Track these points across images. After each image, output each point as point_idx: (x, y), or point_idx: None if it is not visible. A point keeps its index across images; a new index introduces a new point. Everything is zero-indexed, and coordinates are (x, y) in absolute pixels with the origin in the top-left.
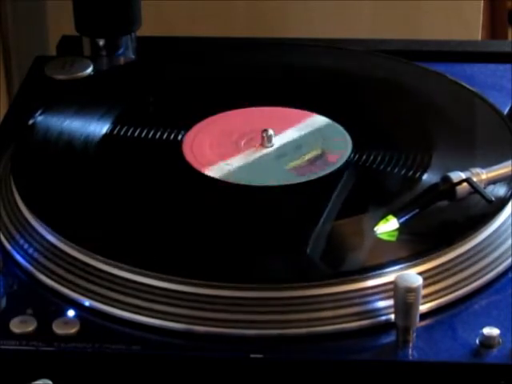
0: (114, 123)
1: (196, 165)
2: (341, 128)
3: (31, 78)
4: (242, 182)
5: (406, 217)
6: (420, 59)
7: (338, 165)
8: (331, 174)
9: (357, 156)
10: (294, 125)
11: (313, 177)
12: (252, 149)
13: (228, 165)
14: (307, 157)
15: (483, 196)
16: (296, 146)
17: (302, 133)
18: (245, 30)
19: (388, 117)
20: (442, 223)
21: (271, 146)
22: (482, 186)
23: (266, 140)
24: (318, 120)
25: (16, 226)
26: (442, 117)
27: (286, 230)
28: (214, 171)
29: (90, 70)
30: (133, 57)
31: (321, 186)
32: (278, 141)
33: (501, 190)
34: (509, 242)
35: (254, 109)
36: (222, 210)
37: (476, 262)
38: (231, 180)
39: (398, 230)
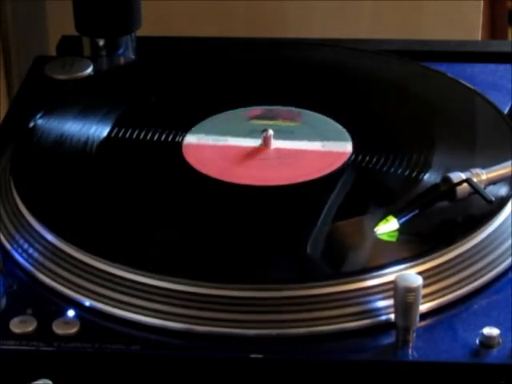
0: (113, 124)
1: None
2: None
3: (31, 78)
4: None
5: (406, 217)
6: (420, 59)
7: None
8: (331, 174)
9: (357, 156)
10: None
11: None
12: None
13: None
14: (273, 121)
15: (483, 196)
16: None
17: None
18: (245, 30)
19: (388, 116)
20: (442, 223)
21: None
22: (482, 186)
23: (267, 140)
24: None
25: (16, 226)
26: (442, 117)
27: (286, 229)
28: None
29: (89, 70)
30: (133, 57)
31: (321, 186)
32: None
33: (501, 190)
34: (509, 241)
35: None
36: (222, 210)
37: (476, 262)
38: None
39: (398, 230)
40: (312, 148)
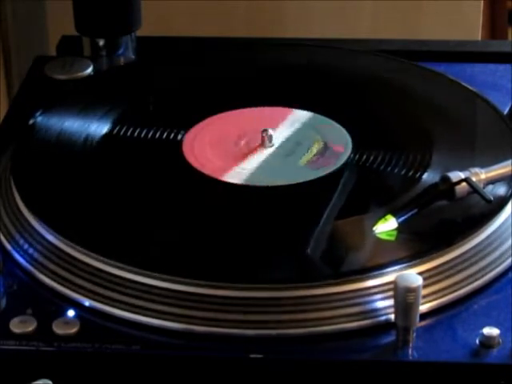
0: (113, 123)
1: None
2: (326, 118)
3: (31, 78)
4: (266, 183)
5: (405, 216)
6: (420, 59)
7: (347, 154)
8: (331, 174)
9: (357, 156)
10: (280, 123)
11: (324, 172)
12: (255, 150)
13: (244, 169)
14: (314, 150)
15: (482, 196)
16: (295, 142)
17: (293, 129)
18: (245, 30)
19: (388, 117)
20: (442, 223)
21: (272, 146)
22: (481, 185)
23: (266, 140)
24: (301, 114)
25: (16, 225)
26: (442, 117)
27: (286, 230)
28: (233, 178)
29: (90, 70)
30: (133, 57)
31: (321, 185)
32: (275, 140)
33: (500, 190)
34: (509, 242)
35: (249, 109)
36: (222, 210)
37: (476, 262)
38: (256, 183)
39: (397, 229)
40: (251, 162)
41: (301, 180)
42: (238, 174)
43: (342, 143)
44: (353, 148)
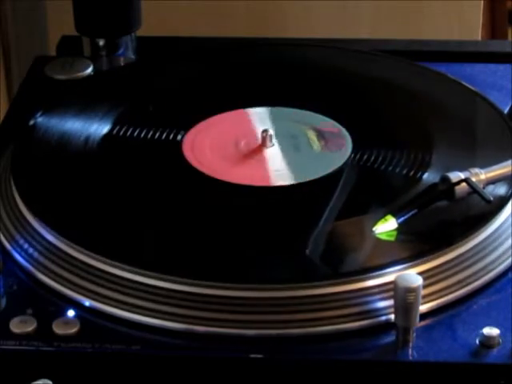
0: (113, 123)
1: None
2: (285, 108)
3: (31, 78)
4: (314, 177)
5: (405, 217)
6: (420, 59)
7: (345, 135)
8: (331, 174)
9: (357, 156)
10: (252, 124)
11: (344, 153)
12: (258, 151)
13: (279, 170)
14: (314, 138)
15: (482, 196)
16: (289, 137)
17: (271, 126)
18: (245, 30)
19: (388, 116)
20: (442, 223)
21: (273, 145)
22: (481, 186)
23: (267, 140)
24: (258, 111)
25: (16, 226)
26: (442, 117)
27: (286, 229)
28: (283, 180)
29: (90, 70)
30: (133, 57)
31: (321, 185)
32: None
33: (500, 190)
34: (509, 242)
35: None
36: (222, 210)
37: (476, 262)
38: (306, 179)
39: (397, 230)
40: (270, 165)
41: (337, 165)
42: (282, 176)
43: (328, 124)
44: (353, 148)
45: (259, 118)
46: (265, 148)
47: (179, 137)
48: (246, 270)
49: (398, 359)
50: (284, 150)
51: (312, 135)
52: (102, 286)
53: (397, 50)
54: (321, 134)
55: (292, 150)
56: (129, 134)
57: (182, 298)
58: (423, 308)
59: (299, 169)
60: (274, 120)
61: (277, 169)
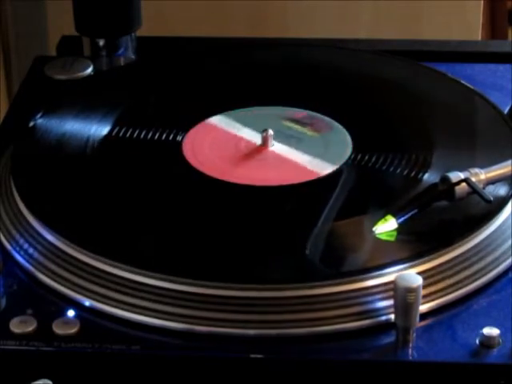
0: (113, 124)
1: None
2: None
3: (31, 78)
4: (340, 161)
5: (405, 217)
6: (420, 59)
7: (316, 115)
8: (331, 174)
9: (357, 156)
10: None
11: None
12: (260, 151)
13: (311, 162)
14: (299, 126)
15: (482, 196)
16: (278, 131)
17: (252, 127)
18: (245, 30)
19: (388, 116)
20: (442, 223)
21: (273, 145)
22: (481, 186)
23: (269, 139)
24: (222, 118)
25: (16, 226)
26: (443, 116)
27: (286, 229)
28: (324, 170)
29: (90, 70)
30: (133, 57)
31: (321, 185)
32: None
33: (501, 190)
34: (509, 242)
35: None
36: (222, 210)
37: (476, 262)
38: (339, 164)
39: (397, 230)
40: (298, 160)
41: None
42: (321, 166)
43: (293, 113)
44: (353, 148)
45: (226, 124)
46: (268, 148)
47: (179, 137)
48: (246, 269)
49: (398, 359)
50: (290, 144)
51: (294, 125)
52: (102, 286)
53: (397, 50)
54: (300, 122)
55: (295, 142)
56: (129, 133)
57: (182, 298)
58: (423, 308)
59: (324, 154)
60: (246, 123)
61: (308, 160)
